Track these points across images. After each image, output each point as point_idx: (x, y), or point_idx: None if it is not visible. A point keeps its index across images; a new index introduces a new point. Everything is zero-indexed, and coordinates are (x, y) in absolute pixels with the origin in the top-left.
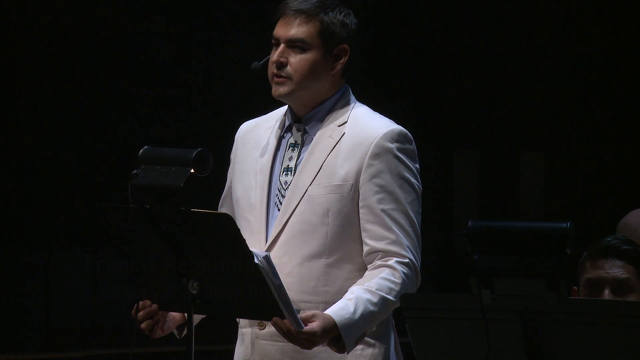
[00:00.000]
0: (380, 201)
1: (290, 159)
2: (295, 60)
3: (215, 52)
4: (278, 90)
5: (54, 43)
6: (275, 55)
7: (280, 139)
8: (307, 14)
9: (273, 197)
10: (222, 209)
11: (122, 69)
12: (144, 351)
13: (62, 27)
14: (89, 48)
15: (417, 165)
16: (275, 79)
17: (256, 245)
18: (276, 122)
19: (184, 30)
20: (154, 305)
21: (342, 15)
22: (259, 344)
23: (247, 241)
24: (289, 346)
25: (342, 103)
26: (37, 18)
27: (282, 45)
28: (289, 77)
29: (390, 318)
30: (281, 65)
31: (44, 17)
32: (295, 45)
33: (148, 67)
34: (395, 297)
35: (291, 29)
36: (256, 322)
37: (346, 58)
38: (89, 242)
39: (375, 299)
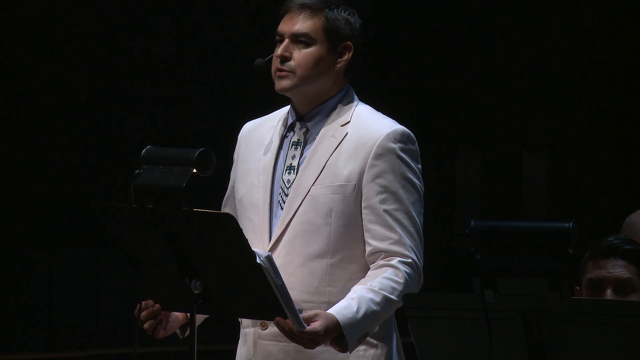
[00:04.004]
0: (383, 201)
1: (293, 157)
2: (300, 55)
3: (217, 52)
4: (281, 83)
5: (56, 43)
6: (279, 50)
7: (282, 138)
8: (311, 9)
9: (276, 195)
10: (225, 209)
11: (124, 69)
12: (147, 351)
13: (65, 28)
14: (90, 48)
15: (420, 166)
16: (278, 72)
17: (259, 245)
18: (279, 121)
19: (186, 30)
20: (157, 305)
21: (346, 13)
22: (262, 344)
23: (250, 241)
24: (291, 346)
25: (344, 102)
26: (39, 18)
27: (286, 40)
28: (292, 71)
29: (392, 319)
30: (285, 60)
31: (46, 17)
32: (299, 39)
33: (150, 67)
34: (397, 296)
35: (296, 23)
36: (259, 322)
37: (350, 55)
38: (91, 241)
39: (378, 299)
